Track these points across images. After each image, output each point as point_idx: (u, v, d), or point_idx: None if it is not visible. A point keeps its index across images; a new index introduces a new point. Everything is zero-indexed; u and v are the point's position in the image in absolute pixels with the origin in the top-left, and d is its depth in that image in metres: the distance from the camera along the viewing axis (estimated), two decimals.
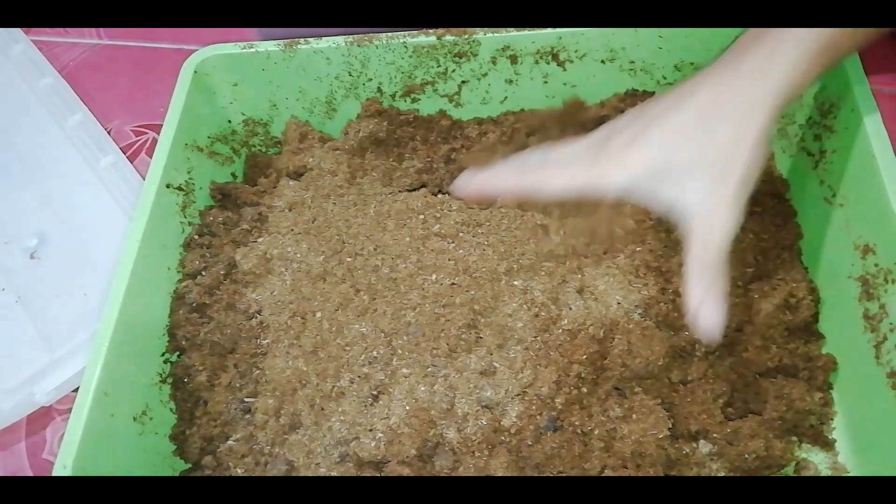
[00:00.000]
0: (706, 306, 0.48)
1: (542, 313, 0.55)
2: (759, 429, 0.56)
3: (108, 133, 0.84)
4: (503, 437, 0.53)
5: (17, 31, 0.92)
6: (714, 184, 0.47)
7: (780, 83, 0.46)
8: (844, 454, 0.57)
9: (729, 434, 0.56)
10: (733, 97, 0.47)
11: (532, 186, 0.52)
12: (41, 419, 0.67)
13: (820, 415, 0.58)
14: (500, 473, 0.52)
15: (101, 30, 0.95)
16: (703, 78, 0.49)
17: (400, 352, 0.56)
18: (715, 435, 0.56)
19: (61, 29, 0.96)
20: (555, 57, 0.68)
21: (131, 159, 0.82)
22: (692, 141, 0.47)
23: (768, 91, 0.46)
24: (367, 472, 0.54)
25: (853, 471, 0.56)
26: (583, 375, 0.54)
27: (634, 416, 0.54)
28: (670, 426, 0.53)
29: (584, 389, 0.54)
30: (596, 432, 0.53)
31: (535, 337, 0.54)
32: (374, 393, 0.55)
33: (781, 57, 0.47)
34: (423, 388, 0.55)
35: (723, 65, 0.49)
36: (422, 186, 0.68)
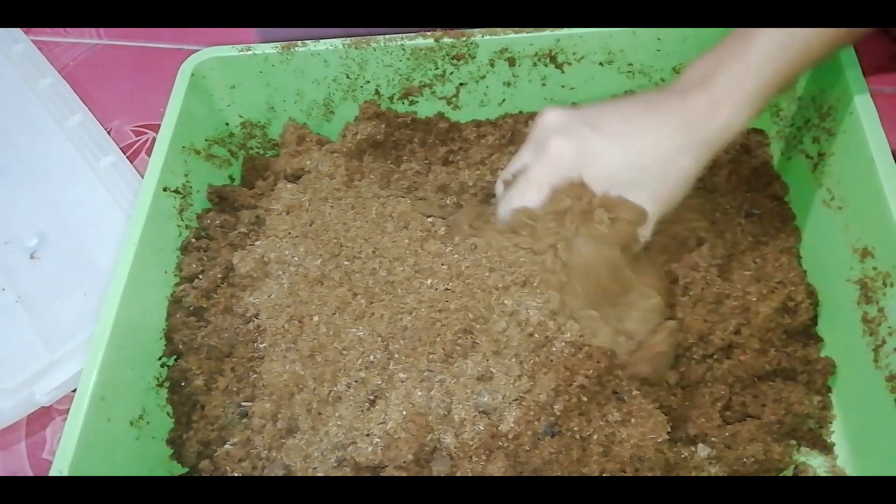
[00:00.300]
0: None
1: (537, 334, 0.54)
2: (758, 432, 0.56)
3: (108, 133, 0.84)
4: (501, 443, 0.53)
5: (17, 32, 0.92)
6: (646, 203, 0.54)
7: (724, 128, 0.53)
8: (843, 457, 0.57)
9: (727, 438, 0.56)
10: (686, 137, 0.53)
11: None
12: (41, 419, 0.68)
13: (818, 418, 0.58)
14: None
15: (101, 30, 0.96)
16: (658, 103, 0.55)
17: (397, 356, 0.56)
18: (713, 439, 0.56)
19: (61, 29, 0.96)
20: (553, 59, 0.68)
21: (131, 159, 0.82)
22: (641, 167, 0.54)
23: (714, 134, 0.53)
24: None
25: (852, 474, 0.56)
26: (585, 385, 0.53)
27: (633, 420, 0.53)
28: (669, 430, 0.53)
29: (585, 398, 0.53)
30: (594, 437, 0.53)
31: (531, 352, 0.54)
32: (371, 398, 0.55)
33: (725, 104, 0.52)
34: (419, 393, 0.54)
35: (678, 96, 0.54)
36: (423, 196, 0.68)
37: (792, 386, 0.58)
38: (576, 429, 0.53)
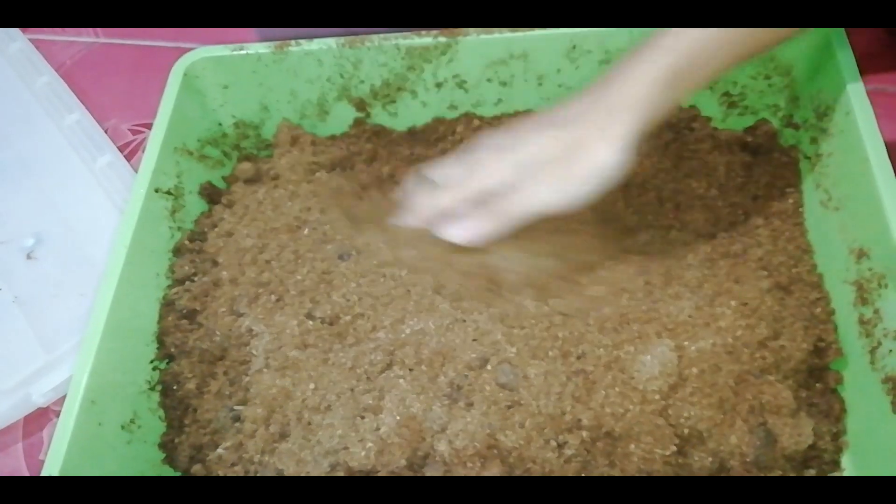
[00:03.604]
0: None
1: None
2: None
3: (105, 132, 0.83)
4: (496, 451, 0.53)
5: (13, 30, 0.92)
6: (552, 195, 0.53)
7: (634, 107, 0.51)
8: (842, 459, 0.56)
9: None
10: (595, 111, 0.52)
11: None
12: (38, 420, 0.68)
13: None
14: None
15: (99, 28, 0.95)
16: (574, 101, 0.54)
17: (395, 366, 0.56)
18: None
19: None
20: None
21: (128, 158, 0.82)
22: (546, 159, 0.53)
23: (625, 110, 0.51)
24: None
25: (850, 475, 0.55)
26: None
27: (637, 430, 0.53)
28: (676, 443, 0.52)
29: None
30: (599, 446, 0.53)
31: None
32: (366, 403, 0.55)
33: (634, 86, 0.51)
34: (414, 400, 0.54)
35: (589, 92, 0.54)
36: None
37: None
38: (578, 444, 0.52)
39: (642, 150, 0.52)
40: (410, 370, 0.56)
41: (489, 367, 0.55)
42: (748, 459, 0.53)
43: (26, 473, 0.65)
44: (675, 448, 0.52)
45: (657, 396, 0.53)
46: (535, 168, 0.53)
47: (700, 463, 0.53)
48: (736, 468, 0.53)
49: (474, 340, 0.56)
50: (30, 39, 0.92)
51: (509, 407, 0.53)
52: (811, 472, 0.55)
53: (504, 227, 0.56)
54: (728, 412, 0.53)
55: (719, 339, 0.55)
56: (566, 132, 0.52)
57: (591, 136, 0.52)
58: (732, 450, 0.53)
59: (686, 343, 0.55)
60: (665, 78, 0.50)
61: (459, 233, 0.57)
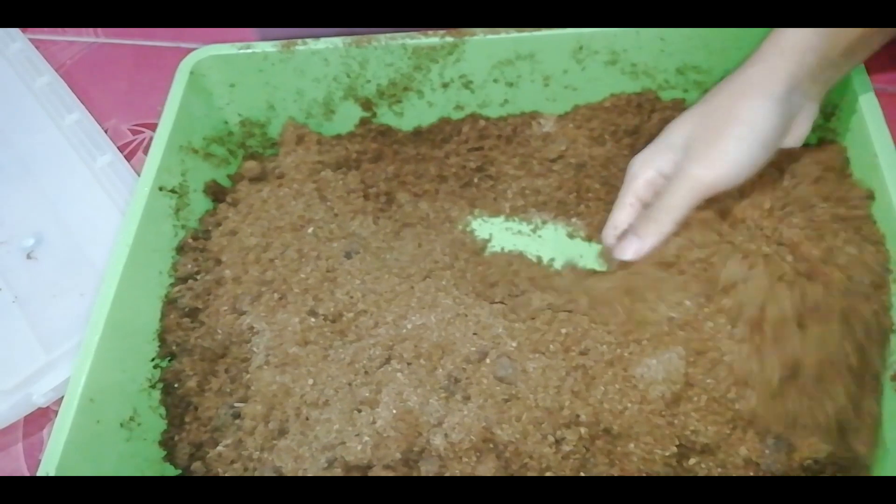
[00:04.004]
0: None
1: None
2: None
3: (106, 132, 0.83)
4: (492, 445, 0.52)
5: (13, 30, 0.92)
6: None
7: (784, 50, 0.49)
8: None
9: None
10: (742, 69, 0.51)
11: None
12: (38, 420, 0.67)
13: None
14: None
15: (99, 28, 0.95)
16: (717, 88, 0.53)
17: (394, 360, 0.56)
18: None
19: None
20: None
21: (128, 158, 0.82)
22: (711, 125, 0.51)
23: (774, 56, 0.49)
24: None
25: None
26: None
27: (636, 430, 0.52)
28: (677, 444, 0.52)
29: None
30: (598, 444, 0.52)
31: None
32: (363, 396, 0.55)
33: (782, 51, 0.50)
34: (411, 393, 0.54)
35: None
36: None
37: None
38: (576, 440, 0.52)
39: None
40: (409, 364, 0.55)
41: (488, 360, 0.55)
42: (761, 468, 0.52)
43: (26, 473, 0.64)
44: (675, 449, 0.51)
45: (661, 405, 0.52)
46: (686, 149, 0.50)
47: (707, 470, 0.52)
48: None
49: (475, 334, 0.56)
50: (30, 39, 0.92)
51: (506, 400, 0.53)
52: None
53: (667, 223, 0.52)
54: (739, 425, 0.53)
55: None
56: (710, 104, 0.50)
57: (738, 93, 0.49)
58: (742, 460, 0.52)
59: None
60: (816, 30, 0.48)
61: (624, 247, 0.55)
